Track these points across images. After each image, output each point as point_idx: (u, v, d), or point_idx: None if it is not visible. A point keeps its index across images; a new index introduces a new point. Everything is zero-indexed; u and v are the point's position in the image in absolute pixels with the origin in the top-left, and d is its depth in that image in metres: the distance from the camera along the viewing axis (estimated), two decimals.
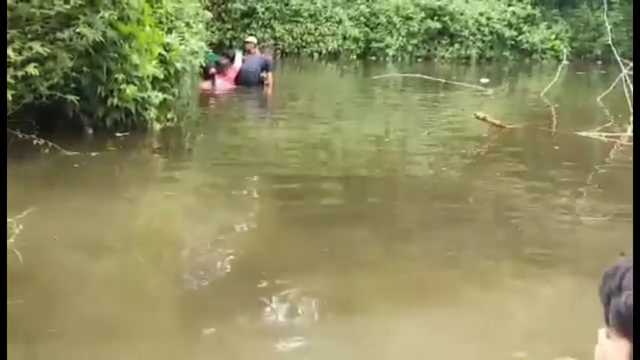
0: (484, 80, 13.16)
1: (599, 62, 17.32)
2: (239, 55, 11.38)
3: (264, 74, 11.02)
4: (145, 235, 4.22)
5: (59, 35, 5.75)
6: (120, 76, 6.20)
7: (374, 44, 17.53)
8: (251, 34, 14.76)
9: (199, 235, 4.18)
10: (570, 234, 4.44)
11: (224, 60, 10.76)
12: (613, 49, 9.20)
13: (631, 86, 8.15)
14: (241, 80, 10.93)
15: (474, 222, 4.63)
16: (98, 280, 3.37)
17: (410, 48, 17.77)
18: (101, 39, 5.83)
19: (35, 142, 5.58)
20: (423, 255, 3.94)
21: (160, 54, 6.90)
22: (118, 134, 6.48)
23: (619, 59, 8.65)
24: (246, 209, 4.72)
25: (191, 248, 3.99)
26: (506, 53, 18.57)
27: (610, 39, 9.91)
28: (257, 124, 9.25)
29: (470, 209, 4.97)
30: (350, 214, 4.71)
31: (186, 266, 3.70)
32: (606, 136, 7.34)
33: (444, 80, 11.58)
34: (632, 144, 7.03)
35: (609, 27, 10.92)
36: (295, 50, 17.19)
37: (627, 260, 1.17)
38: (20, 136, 5.60)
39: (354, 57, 17.51)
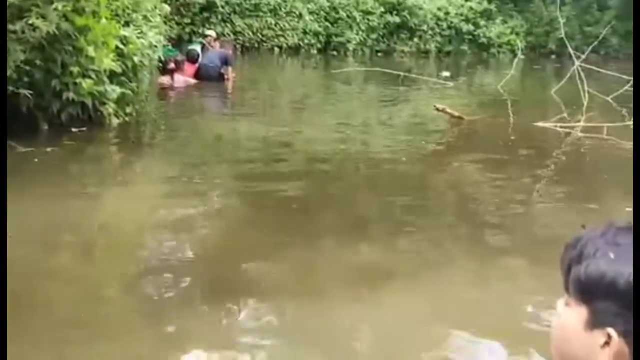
0: (445, 73, 13.35)
1: (553, 56, 17.76)
2: (198, 47, 11.25)
3: (224, 69, 10.93)
4: (104, 230, 4.14)
5: (10, 27, 5.58)
6: (75, 69, 6.06)
7: (335, 39, 17.59)
8: (210, 28, 14.61)
9: (158, 228, 4.13)
10: (525, 218, 4.56)
11: (181, 57, 10.64)
12: (566, 42, 9.44)
13: (584, 78, 8.39)
14: (201, 75, 10.81)
15: (432, 210, 4.71)
16: (56, 276, 3.30)
17: (370, 42, 17.90)
18: (55, 31, 5.68)
19: None
20: (383, 242, 4.00)
21: (117, 48, 6.76)
22: (74, 129, 6.33)
23: (572, 52, 8.88)
24: (206, 202, 4.68)
25: (150, 241, 3.94)
26: (464, 47, 18.88)
27: (563, 33, 10.16)
28: (218, 119, 9.17)
29: (429, 197, 5.05)
30: (311, 204, 4.74)
31: (145, 259, 3.65)
32: (561, 127, 7.54)
33: (404, 74, 11.69)
34: (586, 134, 7.25)
35: (562, 22, 11.20)
36: (256, 45, 17.11)
37: (589, 232, 1.24)
38: None
39: (315, 51, 17.54)
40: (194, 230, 4.10)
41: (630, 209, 4.65)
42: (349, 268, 3.60)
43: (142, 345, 2.71)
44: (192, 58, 10.91)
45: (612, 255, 1.20)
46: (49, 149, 5.69)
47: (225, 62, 11.00)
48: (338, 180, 5.64)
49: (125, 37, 6.96)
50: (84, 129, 6.40)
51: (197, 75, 10.82)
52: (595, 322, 1.21)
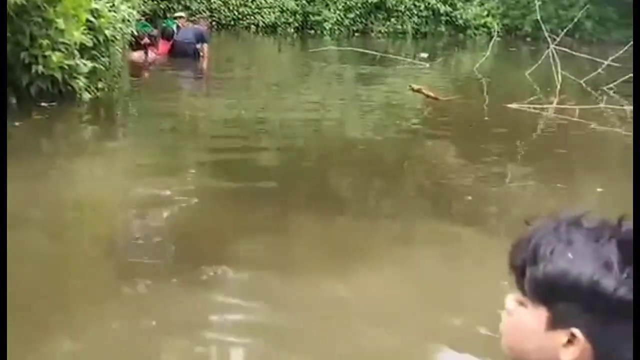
0: (423, 54, 13.33)
1: (528, 39, 17.87)
2: (171, 25, 11.09)
3: (199, 46, 10.79)
4: (72, 206, 4.08)
5: None
6: (45, 42, 5.93)
7: (311, 18, 17.45)
8: (187, 5, 14.39)
9: (129, 204, 4.08)
10: (496, 197, 4.62)
11: (154, 33, 10.46)
12: (542, 25, 9.51)
13: (558, 61, 8.47)
14: (175, 51, 10.66)
15: (405, 187, 4.75)
16: (23, 252, 3.24)
17: (347, 22, 17.79)
18: (23, 2, 5.53)
19: None
20: (356, 218, 4.03)
21: (88, 21, 6.62)
22: (44, 104, 6.20)
23: (546, 34, 8.94)
24: (179, 178, 4.62)
25: (120, 217, 3.89)
26: (441, 28, 18.87)
27: (539, 16, 10.22)
28: (192, 96, 9.07)
29: (402, 175, 5.08)
30: (286, 182, 4.73)
31: (115, 235, 3.61)
32: (534, 108, 7.62)
33: (382, 54, 11.68)
34: (559, 115, 7.34)
35: (537, 4, 11.25)
36: (232, 23, 16.91)
37: (537, 230, 1.22)
38: None
39: (292, 30, 17.39)
40: (166, 206, 4.05)
41: (601, 190, 4.74)
42: (323, 243, 3.62)
43: (114, 321, 2.68)
44: (167, 35, 10.75)
45: (570, 255, 1.18)
46: (17, 123, 5.56)
47: (201, 39, 10.86)
48: (313, 159, 5.64)
49: (96, 10, 6.82)
50: (54, 103, 6.27)
51: (171, 52, 10.67)
52: (556, 323, 1.20)
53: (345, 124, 7.32)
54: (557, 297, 1.18)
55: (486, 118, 7.41)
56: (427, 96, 8.05)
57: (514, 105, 7.72)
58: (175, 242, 3.55)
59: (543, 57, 8.96)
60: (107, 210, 4.10)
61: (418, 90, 8.09)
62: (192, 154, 5.48)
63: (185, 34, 10.81)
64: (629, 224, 1.20)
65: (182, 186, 4.50)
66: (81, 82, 6.47)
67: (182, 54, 10.62)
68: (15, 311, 2.47)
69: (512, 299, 1.28)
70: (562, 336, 1.18)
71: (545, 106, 7.70)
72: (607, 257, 1.16)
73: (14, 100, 6.12)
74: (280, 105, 7.98)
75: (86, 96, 6.61)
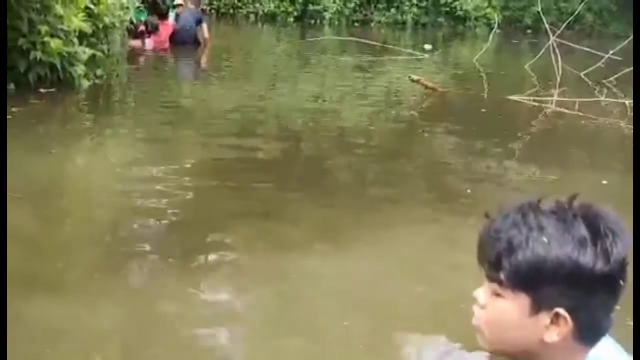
0: (427, 46, 13.27)
1: (529, 31, 17.82)
2: (171, 14, 11.02)
3: (198, 29, 10.76)
4: (64, 191, 4.07)
5: None
6: (43, 28, 5.88)
7: (311, 7, 17.35)
8: None
9: (125, 190, 4.07)
10: (492, 187, 4.62)
11: (155, 20, 10.39)
12: (542, 17, 9.47)
13: (558, 54, 8.45)
14: (177, 39, 10.63)
15: (401, 176, 4.78)
16: (17, 236, 3.23)
17: (347, 12, 17.70)
18: None
19: None
20: (351, 204, 4.09)
21: (87, 7, 6.58)
22: (42, 90, 6.17)
23: (546, 26, 8.92)
24: (175, 165, 4.61)
25: (115, 202, 3.87)
26: (441, 19, 18.80)
27: (539, 7, 10.18)
28: (190, 84, 9.04)
29: (398, 164, 5.10)
30: (282, 170, 4.75)
31: (110, 220, 3.59)
32: (533, 100, 7.61)
33: (381, 45, 11.62)
34: (558, 108, 7.33)
35: None
36: (231, 11, 16.80)
37: (503, 221, 1.26)
38: None
39: (291, 19, 17.29)
40: (162, 192, 4.04)
41: (606, 182, 4.75)
42: (316, 228, 3.65)
43: (104, 307, 2.68)
44: (161, 13, 10.69)
45: (545, 239, 1.22)
46: (14, 109, 5.53)
47: (200, 20, 10.86)
48: (310, 148, 5.65)
49: None
50: (52, 90, 6.24)
51: (172, 39, 10.63)
52: (539, 306, 1.24)
53: (343, 114, 7.30)
54: (539, 281, 1.22)
55: (484, 110, 7.39)
56: (426, 87, 8.03)
57: (514, 97, 7.71)
58: (168, 228, 3.55)
59: (543, 49, 8.94)
60: (100, 197, 4.10)
61: (417, 81, 8.08)
62: (188, 142, 5.47)
63: (185, 20, 10.75)
64: (581, 201, 1.25)
65: (177, 173, 4.50)
66: (80, 69, 6.43)
67: (183, 41, 10.59)
68: None
69: (483, 292, 1.32)
70: (545, 318, 1.23)
71: (545, 99, 7.69)
72: (579, 235, 1.21)
73: (12, 86, 6.09)
74: (277, 95, 7.96)
75: (85, 83, 6.58)
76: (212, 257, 3.15)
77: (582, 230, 1.23)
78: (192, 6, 11.16)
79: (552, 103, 7.52)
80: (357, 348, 2.55)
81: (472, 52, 12.26)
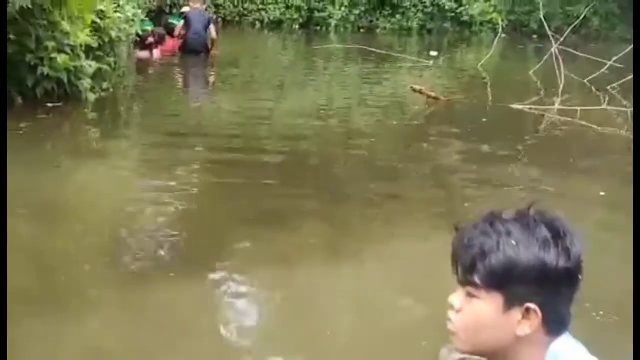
0: (433, 53, 13.31)
1: (535, 36, 17.81)
2: (179, 22, 11.08)
3: (208, 33, 10.77)
4: (76, 204, 4.15)
5: None
6: (50, 44, 6.00)
7: (317, 14, 17.45)
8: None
9: (132, 202, 4.13)
10: (493, 196, 4.66)
11: (161, 31, 10.50)
12: (544, 24, 9.50)
13: (561, 61, 8.47)
14: (188, 48, 10.64)
15: (403, 186, 4.84)
16: (25, 249, 3.31)
17: (352, 18, 17.78)
18: (29, 5, 5.60)
19: None
20: (354, 212, 4.17)
21: (93, 22, 6.69)
22: (50, 104, 6.28)
23: (549, 33, 8.94)
24: (181, 176, 4.68)
25: (123, 215, 3.93)
26: (447, 25, 18.82)
27: (542, 14, 10.21)
28: (197, 94, 9.15)
29: (400, 174, 5.15)
30: (288, 178, 4.84)
31: (118, 232, 3.66)
32: (536, 109, 7.63)
33: (386, 52, 11.68)
34: (561, 117, 7.35)
35: (541, 2, 11.22)
36: (237, 19, 16.92)
37: (472, 231, 1.43)
38: None
39: (297, 26, 17.39)
40: (170, 205, 4.11)
41: (604, 194, 4.77)
42: (324, 235, 3.71)
43: (114, 319, 2.74)
44: (170, 31, 10.80)
45: (513, 242, 1.37)
46: (22, 124, 5.64)
47: (208, 23, 10.89)
48: (315, 156, 5.72)
49: (102, 11, 6.89)
50: (59, 104, 6.35)
51: (183, 48, 10.69)
52: (511, 303, 1.38)
53: (347, 122, 7.38)
54: (511, 280, 1.37)
55: (485, 119, 7.43)
56: (429, 97, 8.09)
57: (516, 106, 7.75)
58: (174, 237, 3.61)
59: (546, 57, 8.96)
60: (108, 207, 4.16)
61: (419, 91, 8.13)
62: (195, 152, 5.54)
63: (195, 28, 10.63)
64: (538, 209, 1.44)
65: (184, 184, 4.58)
66: (86, 82, 6.54)
67: (194, 50, 10.59)
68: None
69: (457, 297, 1.47)
70: (517, 314, 1.38)
71: (547, 107, 7.71)
72: (542, 237, 1.37)
73: (20, 101, 6.21)
74: (283, 103, 8.04)
75: (91, 96, 6.69)
76: (219, 268, 3.21)
77: (545, 233, 1.38)
78: (198, 5, 11.11)
79: (554, 112, 7.54)
80: None
81: (477, 58, 12.29)
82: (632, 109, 7.05)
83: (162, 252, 3.42)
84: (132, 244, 3.55)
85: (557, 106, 7.61)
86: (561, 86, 8.03)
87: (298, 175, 5.04)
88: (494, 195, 4.70)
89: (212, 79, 10.19)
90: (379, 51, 11.54)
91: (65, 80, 6.25)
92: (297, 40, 16.21)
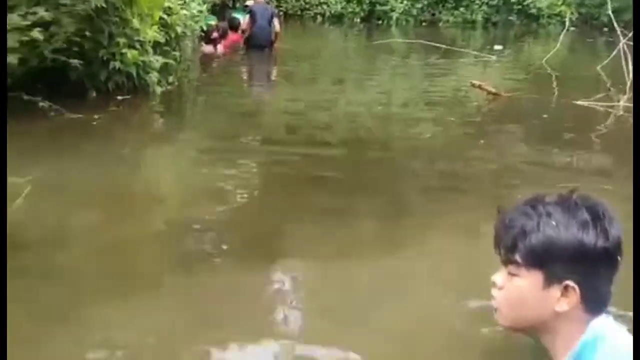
0: (498, 47, 13.07)
1: (605, 29, 17.16)
2: (244, 16, 11.29)
3: (272, 27, 10.91)
4: (142, 193, 4.37)
5: (62, 0, 5.85)
6: (122, 40, 6.32)
7: (378, 7, 17.43)
8: None
9: (195, 193, 4.29)
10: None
11: (225, 25, 10.76)
12: (612, 18, 9.18)
13: (629, 56, 8.19)
14: (253, 42, 10.79)
15: (463, 186, 4.81)
16: (91, 235, 3.50)
17: (414, 12, 17.66)
18: (103, 4, 5.93)
19: (40, 105, 5.78)
20: (419, 212, 4.15)
21: (161, 18, 7.00)
22: (120, 97, 6.64)
23: (617, 28, 8.64)
24: (240, 168, 4.85)
25: (185, 205, 4.10)
26: (512, 17, 18.41)
27: (609, 9, 9.86)
28: (259, 88, 9.37)
29: (457, 171, 5.13)
30: (345, 173, 4.90)
31: (179, 223, 3.80)
32: (601, 105, 7.43)
33: (448, 47, 11.57)
34: (628, 114, 7.13)
35: None
36: (298, 13, 17.12)
37: (514, 213, 1.55)
38: (25, 98, 5.78)
39: (358, 20, 17.43)
40: (231, 196, 4.26)
41: None
42: (382, 232, 3.73)
43: (174, 302, 2.89)
44: (233, 26, 11.05)
45: (553, 223, 1.47)
46: (96, 116, 5.99)
47: (272, 16, 11.02)
48: (375, 152, 5.73)
49: (169, 7, 7.19)
50: (128, 96, 6.70)
51: (247, 42, 10.89)
52: (551, 280, 1.47)
53: (409, 119, 7.39)
54: (550, 258, 1.46)
55: (546, 115, 7.29)
56: (489, 92, 8.00)
57: (581, 102, 7.56)
58: (235, 228, 3.74)
59: (614, 52, 8.67)
60: (174, 194, 4.36)
61: (479, 86, 8.06)
62: (257, 143, 5.71)
63: (260, 24, 10.72)
64: (581, 194, 1.54)
65: (247, 173, 4.75)
66: (153, 76, 6.86)
67: (259, 44, 10.72)
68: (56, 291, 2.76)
69: (500, 276, 1.56)
70: (556, 291, 1.47)
71: (612, 104, 7.49)
72: (582, 219, 1.46)
73: (93, 94, 6.59)
74: (344, 98, 8.15)
75: (158, 89, 7.01)
76: (276, 262, 3.31)
77: (584, 215, 1.46)
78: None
79: (619, 109, 7.32)
80: None
81: (545, 51, 11.96)
82: None
83: (225, 239, 3.57)
84: (198, 231, 3.70)
85: (622, 103, 7.39)
86: (628, 83, 7.77)
87: (355, 171, 5.10)
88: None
89: (274, 73, 10.40)
90: (440, 45, 11.44)
91: (135, 74, 6.58)
92: (358, 34, 16.24)
